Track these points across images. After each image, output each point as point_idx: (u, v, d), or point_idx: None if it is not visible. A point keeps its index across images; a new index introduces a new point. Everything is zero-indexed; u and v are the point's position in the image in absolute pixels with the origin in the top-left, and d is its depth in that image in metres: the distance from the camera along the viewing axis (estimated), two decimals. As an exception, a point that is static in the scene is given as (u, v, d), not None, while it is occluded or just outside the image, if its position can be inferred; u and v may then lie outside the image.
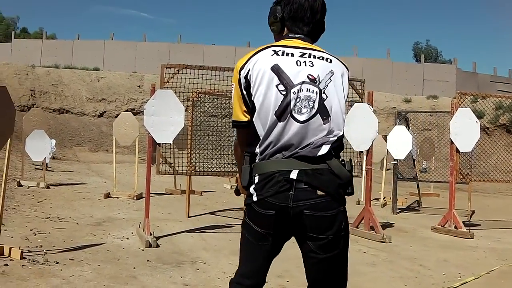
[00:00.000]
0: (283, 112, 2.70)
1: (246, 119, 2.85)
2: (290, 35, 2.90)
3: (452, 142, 10.16)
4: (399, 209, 13.33)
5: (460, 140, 10.06)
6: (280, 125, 2.69)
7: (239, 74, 2.81)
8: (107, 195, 12.88)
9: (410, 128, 14.39)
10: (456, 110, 10.19)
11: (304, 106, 2.70)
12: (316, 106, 2.71)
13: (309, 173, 2.65)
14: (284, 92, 2.70)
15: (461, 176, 10.75)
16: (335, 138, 2.76)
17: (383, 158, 14.64)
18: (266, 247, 2.83)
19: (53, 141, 16.78)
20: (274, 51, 2.79)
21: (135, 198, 12.69)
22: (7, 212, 9.28)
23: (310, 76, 2.74)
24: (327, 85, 2.76)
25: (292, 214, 2.64)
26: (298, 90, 2.70)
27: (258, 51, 2.82)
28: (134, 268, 6.48)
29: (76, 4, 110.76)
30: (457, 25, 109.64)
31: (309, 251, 2.73)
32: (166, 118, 8.20)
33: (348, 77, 2.95)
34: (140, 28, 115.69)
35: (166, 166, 9.85)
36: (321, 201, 2.63)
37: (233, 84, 2.88)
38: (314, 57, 2.81)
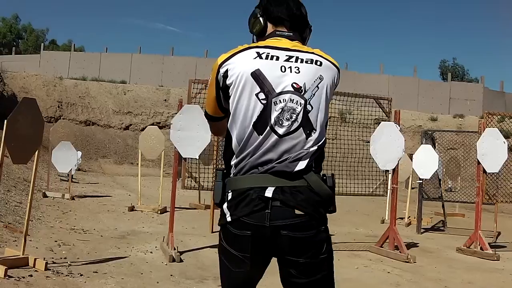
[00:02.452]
0: (263, 124, 2.50)
1: (222, 115, 2.73)
2: (278, 32, 2.69)
3: (479, 163, 10.05)
4: (423, 228, 13.19)
5: (487, 161, 9.95)
6: (258, 138, 2.49)
7: (218, 72, 2.61)
8: (132, 208, 12.92)
9: (436, 147, 14.29)
10: (484, 130, 10.09)
11: (286, 119, 2.48)
12: (299, 119, 2.50)
13: (285, 190, 2.45)
14: (264, 102, 2.50)
15: (488, 197, 10.65)
16: (315, 148, 2.54)
17: (408, 177, 14.55)
18: (246, 273, 2.62)
19: (79, 153, 16.93)
20: (257, 53, 2.57)
21: (159, 212, 12.69)
22: (32, 223, 9.36)
23: (295, 85, 2.51)
24: (314, 94, 2.54)
25: (269, 234, 2.44)
26: (280, 100, 2.49)
27: (240, 50, 2.61)
28: (158, 282, 6.49)
29: (105, 17, 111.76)
30: (485, 43, 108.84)
31: (289, 275, 2.53)
32: (192, 133, 8.22)
33: (339, 77, 2.71)
34: (167, 41, 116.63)
35: (191, 181, 9.88)
36: (299, 221, 2.43)
37: (209, 77, 2.70)
38: (302, 61, 2.57)
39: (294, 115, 2.49)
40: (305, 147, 2.51)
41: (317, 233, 2.49)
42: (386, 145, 9.19)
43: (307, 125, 2.52)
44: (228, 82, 2.56)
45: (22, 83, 31.61)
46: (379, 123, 9.55)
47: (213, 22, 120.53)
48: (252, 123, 2.51)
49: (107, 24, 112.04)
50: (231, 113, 2.58)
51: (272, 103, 2.49)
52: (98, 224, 10.58)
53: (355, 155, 11.87)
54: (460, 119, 35.97)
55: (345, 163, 11.64)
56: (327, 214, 2.59)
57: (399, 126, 9.45)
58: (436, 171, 13.29)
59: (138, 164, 14.88)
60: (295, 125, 2.49)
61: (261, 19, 2.76)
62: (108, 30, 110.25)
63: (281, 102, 2.49)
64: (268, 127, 2.49)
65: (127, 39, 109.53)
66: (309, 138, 2.52)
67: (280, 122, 2.48)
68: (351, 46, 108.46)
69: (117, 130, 32.29)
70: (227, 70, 2.56)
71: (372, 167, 10.82)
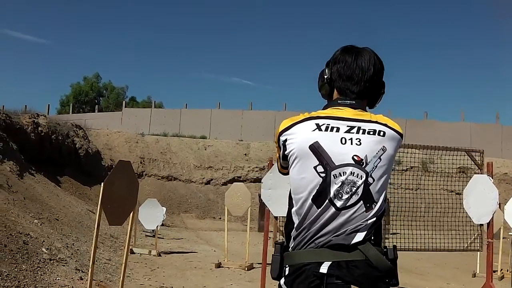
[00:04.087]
0: (322, 197, 2.43)
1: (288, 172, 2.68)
2: (340, 101, 2.63)
3: None
4: (518, 282, 12.76)
5: None
6: (316, 211, 2.44)
7: (279, 139, 2.63)
8: (219, 265, 12.88)
9: (528, 196, 13.86)
10: None
11: (346, 192, 2.41)
12: (360, 192, 2.42)
13: (342, 265, 2.36)
14: (323, 175, 2.44)
15: None
16: (374, 219, 2.46)
17: (499, 228, 14.12)
18: None
19: (164, 209, 17.10)
20: (317, 125, 2.52)
21: (246, 269, 12.60)
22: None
23: (356, 158, 2.44)
24: (376, 166, 2.47)
25: None
26: (340, 173, 2.43)
27: (300, 120, 2.57)
28: None
29: (181, 73, 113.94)
30: None
31: None
32: (283, 191, 8.14)
33: (401, 143, 2.65)
34: (244, 95, 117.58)
35: (283, 239, 9.87)
36: None
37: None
38: (364, 131, 2.50)
39: (354, 188, 2.43)
40: (364, 219, 2.44)
41: None
42: (479, 198, 8.97)
43: (367, 198, 2.45)
44: (286, 152, 2.57)
45: (106, 140, 32.40)
46: (463, 171, 9.37)
47: (287, 75, 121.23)
48: (311, 197, 2.46)
49: (184, 80, 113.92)
50: (291, 185, 2.58)
51: (332, 176, 2.44)
52: (186, 281, 10.62)
53: (440, 205, 11.65)
54: (547, 165, 34.84)
55: (430, 214, 11.44)
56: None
57: (492, 178, 9.22)
58: (530, 221, 12.86)
59: (220, 218, 14.97)
60: (355, 198, 2.43)
61: (327, 85, 2.74)
62: (185, 86, 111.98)
63: (341, 176, 2.44)
64: (327, 200, 2.43)
65: (204, 94, 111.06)
66: (369, 211, 2.45)
67: (340, 195, 2.42)
68: (431, 94, 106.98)
69: (198, 184, 32.58)
70: (286, 140, 2.57)
71: (458, 218, 10.56)
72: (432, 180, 13.24)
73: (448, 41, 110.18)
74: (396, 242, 10.10)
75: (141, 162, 32.09)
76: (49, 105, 49.53)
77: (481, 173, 9.59)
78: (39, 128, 23.04)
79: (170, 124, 39.63)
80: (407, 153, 10.66)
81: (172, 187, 31.45)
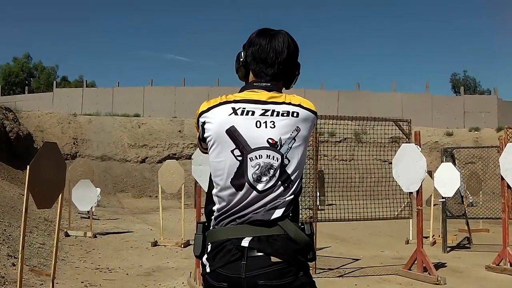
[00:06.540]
0: (240, 180, 2.50)
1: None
2: (255, 83, 2.67)
3: (502, 178, 9.95)
4: (449, 247, 13.06)
5: (511, 176, 9.86)
6: (237, 194, 2.50)
7: (198, 121, 2.65)
8: (155, 244, 12.86)
9: (457, 163, 14.18)
10: (505, 145, 10.00)
11: (264, 174, 2.48)
12: (277, 174, 2.50)
13: (262, 239, 2.44)
14: (240, 158, 2.51)
15: (513, 212, 10.52)
16: (292, 197, 2.54)
17: (430, 195, 14.42)
18: None
19: (98, 190, 16.93)
20: (233, 109, 2.56)
21: (182, 246, 12.61)
22: (57, 264, 9.33)
23: (270, 140, 2.51)
24: (290, 147, 2.54)
25: (246, 286, 2.41)
26: (256, 156, 2.50)
27: (217, 104, 2.61)
28: (189, 320, 6.44)
29: (114, 50, 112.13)
30: (495, 53, 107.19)
31: None
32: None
33: (316, 120, 2.73)
34: (178, 72, 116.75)
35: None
36: (275, 269, 2.40)
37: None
38: (278, 114, 2.56)
39: (272, 171, 2.50)
40: (283, 197, 2.51)
41: (296, 279, 2.45)
42: (408, 167, 9.15)
43: (285, 179, 2.52)
44: (205, 135, 2.60)
45: (37, 122, 31.83)
46: (395, 141, 9.51)
47: (222, 50, 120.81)
48: (229, 180, 2.51)
49: (117, 58, 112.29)
50: (210, 167, 2.62)
51: (248, 159, 2.50)
52: (122, 262, 10.55)
53: (373, 175, 11.80)
54: (475, 132, 35.74)
55: (364, 184, 11.58)
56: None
57: (420, 147, 9.39)
58: (458, 188, 13.18)
59: (156, 196, 14.87)
60: (273, 180, 2.50)
61: (243, 68, 2.79)
62: (118, 64, 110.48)
63: (257, 158, 2.50)
64: (247, 183, 2.49)
65: (137, 71, 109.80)
66: (287, 190, 2.52)
67: (258, 178, 2.48)
68: (363, 66, 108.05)
69: (133, 163, 32.36)
70: (204, 122, 2.60)
71: (391, 187, 10.75)
72: (366, 151, 13.33)
73: (379, 13, 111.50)
74: (332, 213, 10.24)
75: (74, 143, 31.67)
76: (-24, 88, 48.24)
77: (409, 142, 9.76)
78: (-34, 112, 22.47)
79: (102, 103, 39.13)
80: (340, 124, 10.74)
81: (107, 167, 31.17)
